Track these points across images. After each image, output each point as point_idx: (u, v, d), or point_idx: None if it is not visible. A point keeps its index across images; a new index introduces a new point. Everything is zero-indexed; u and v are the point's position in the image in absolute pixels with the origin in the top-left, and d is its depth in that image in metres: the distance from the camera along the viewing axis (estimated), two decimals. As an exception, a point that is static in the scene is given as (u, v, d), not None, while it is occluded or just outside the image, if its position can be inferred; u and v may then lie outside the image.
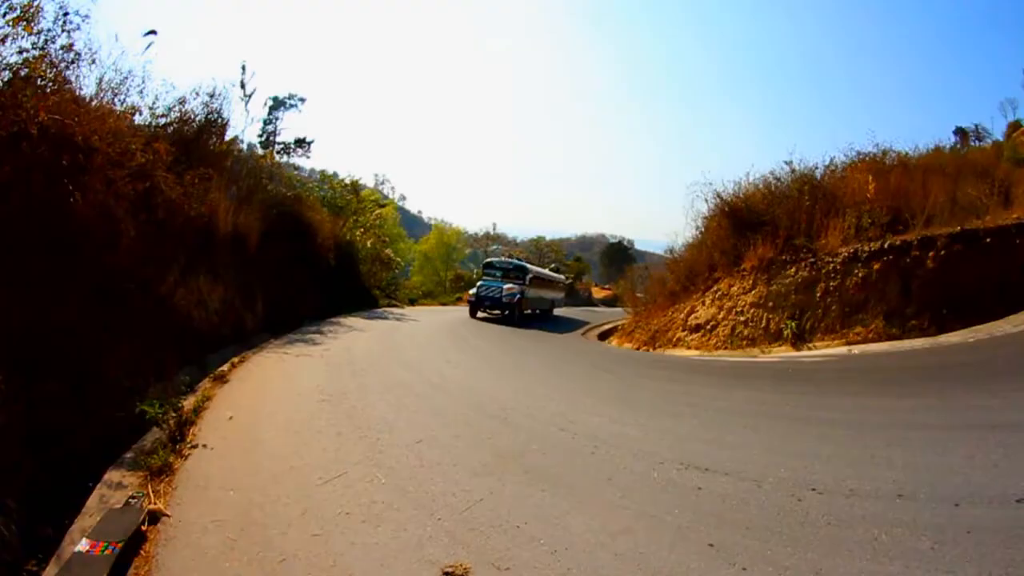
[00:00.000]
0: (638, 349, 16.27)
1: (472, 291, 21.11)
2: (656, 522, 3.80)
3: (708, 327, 14.84)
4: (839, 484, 4.42)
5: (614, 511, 3.97)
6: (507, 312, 20.15)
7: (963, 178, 15.82)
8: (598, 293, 58.79)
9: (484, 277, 21.89)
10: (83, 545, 3.46)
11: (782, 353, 12.58)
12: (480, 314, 20.45)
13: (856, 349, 11.88)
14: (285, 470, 4.70)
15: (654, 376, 9.93)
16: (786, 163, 15.96)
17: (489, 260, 25.00)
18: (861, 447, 5.37)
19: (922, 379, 8.82)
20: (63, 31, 7.64)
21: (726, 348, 13.95)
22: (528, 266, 24.01)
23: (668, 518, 3.86)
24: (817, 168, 15.82)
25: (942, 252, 12.48)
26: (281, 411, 6.50)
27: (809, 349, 12.56)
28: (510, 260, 24.73)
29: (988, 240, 12.72)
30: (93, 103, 8.14)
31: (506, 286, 20.13)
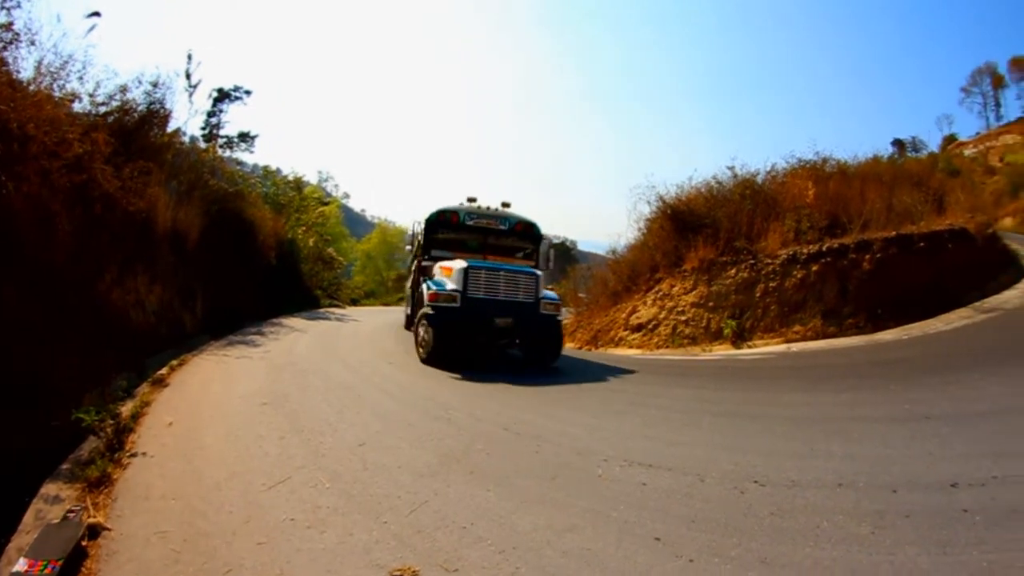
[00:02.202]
0: (580, 348, 16.30)
1: (427, 287, 10.48)
2: (602, 518, 3.81)
3: (650, 326, 15.03)
4: (781, 476, 4.59)
5: (560, 509, 3.97)
6: (527, 338, 10.59)
7: (899, 186, 16.69)
8: None
9: (438, 249, 11.88)
10: (21, 565, 3.22)
11: (723, 351, 12.90)
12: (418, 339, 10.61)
13: (795, 347, 12.33)
14: (228, 476, 4.52)
15: (598, 375, 9.97)
16: (728, 168, 16.56)
17: (448, 209, 12.18)
18: (801, 440, 5.59)
19: (859, 375, 9.23)
20: (2, 8, 7.33)
21: (668, 347, 14.18)
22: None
23: (613, 514, 3.87)
24: (759, 174, 16.51)
25: (878, 255, 13.16)
26: (222, 415, 6.29)
27: (749, 347, 12.93)
28: (503, 212, 12.40)
29: (922, 244, 13.56)
30: (30, 88, 7.72)
31: (520, 271, 10.57)
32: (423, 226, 12.29)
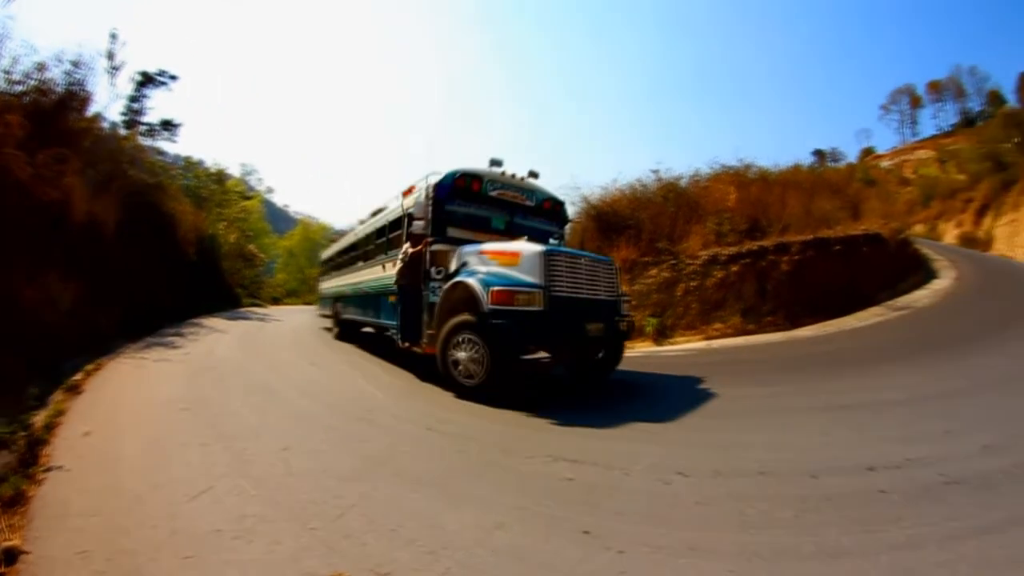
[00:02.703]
0: None
1: (480, 282, 7.12)
2: (529, 515, 3.81)
3: None
4: (704, 467, 4.73)
5: (487, 507, 3.94)
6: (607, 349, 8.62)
7: (818, 193, 17.63)
8: None
9: (457, 227, 8.83)
10: (-70, 599, 2.98)
11: (644, 348, 13.17)
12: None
13: (715, 343, 12.79)
14: (149, 488, 4.29)
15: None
16: (652, 171, 17.25)
17: (471, 172, 8.98)
18: (723, 432, 5.82)
19: (778, 368, 9.68)
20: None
21: None
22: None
23: (541, 510, 3.88)
24: (682, 177, 17.29)
25: (796, 257, 13.96)
26: (141, 424, 5.99)
27: (671, 344, 13.31)
28: (531, 184, 9.76)
29: (838, 247, 14.56)
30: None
31: (599, 260, 8.04)
32: (431, 194, 8.54)
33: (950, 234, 45.34)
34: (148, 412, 6.45)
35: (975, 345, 10.54)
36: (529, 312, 6.74)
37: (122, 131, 19.25)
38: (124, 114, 22.17)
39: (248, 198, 32.86)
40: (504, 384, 7.08)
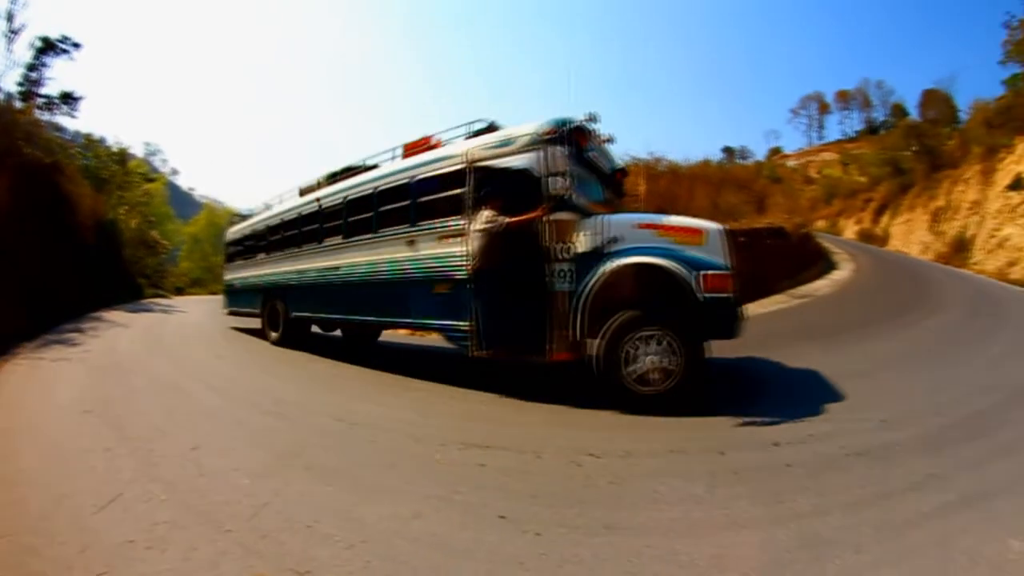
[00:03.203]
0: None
1: (678, 264, 5.68)
2: (445, 503, 3.81)
3: None
4: (615, 447, 4.86)
5: (402, 497, 3.91)
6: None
7: (726, 187, 18.26)
8: None
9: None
10: None
11: None
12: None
13: None
14: (54, 501, 3.99)
15: (426, 363, 9.95)
16: None
17: (581, 126, 6.60)
18: (630, 414, 5.94)
19: None
20: None
21: None
22: None
23: (456, 497, 3.89)
24: None
25: None
26: (41, 430, 5.65)
27: None
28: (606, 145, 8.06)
29: (743, 239, 15.10)
30: None
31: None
32: (541, 143, 6.36)
33: (850, 230, 48.71)
34: (47, 417, 6.08)
35: (872, 329, 11.25)
36: (730, 299, 5.77)
37: (17, 103, 17.90)
38: (20, 84, 20.33)
39: (151, 180, 31.00)
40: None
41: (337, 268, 9.55)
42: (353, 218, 9.33)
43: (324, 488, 4.12)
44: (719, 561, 3.18)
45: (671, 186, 17.03)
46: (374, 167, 9.43)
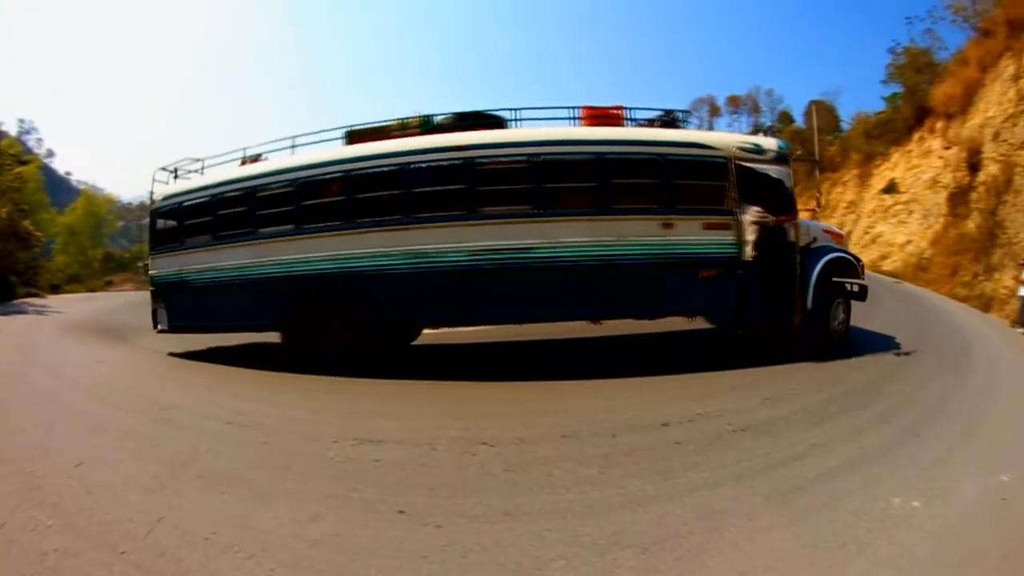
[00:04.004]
0: None
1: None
2: (343, 501, 3.78)
3: None
4: (508, 435, 5.00)
5: (299, 499, 3.84)
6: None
7: None
8: None
9: None
10: None
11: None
12: None
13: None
14: None
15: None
16: None
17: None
18: (520, 402, 6.20)
19: (570, 341, 10.05)
20: None
21: None
22: None
23: (354, 495, 3.86)
24: None
25: None
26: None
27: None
28: None
29: None
30: None
31: None
32: (785, 158, 8.22)
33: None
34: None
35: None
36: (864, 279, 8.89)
37: None
38: None
39: (24, 163, 27.25)
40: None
41: (527, 248, 7.68)
42: (554, 185, 7.76)
43: (219, 496, 3.97)
44: (619, 538, 3.29)
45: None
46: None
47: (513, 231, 7.68)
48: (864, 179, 33.08)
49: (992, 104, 19.00)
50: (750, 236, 7.61)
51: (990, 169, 17.82)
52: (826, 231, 8.88)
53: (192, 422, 5.83)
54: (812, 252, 8.22)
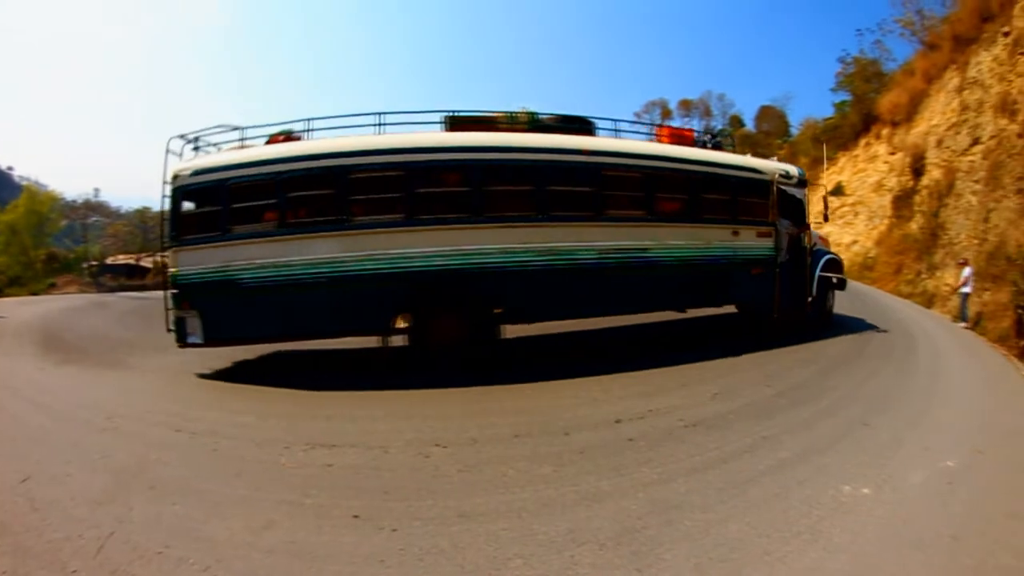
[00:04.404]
0: None
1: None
2: (296, 508, 3.71)
3: None
4: (461, 436, 5.01)
5: (253, 507, 3.75)
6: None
7: None
8: None
9: None
10: None
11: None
12: None
13: None
14: None
15: (262, 354, 9.48)
16: None
17: None
18: (476, 403, 6.16)
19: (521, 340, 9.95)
20: None
21: None
22: None
23: (307, 501, 3.80)
24: None
25: None
26: None
27: None
28: None
29: None
30: None
31: None
32: (803, 183, 11.29)
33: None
34: None
35: (706, 311, 11.93)
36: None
37: None
38: None
39: None
40: None
41: (644, 249, 8.72)
42: (662, 195, 9.11)
43: (170, 508, 3.84)
44: (575, 535, 3.34)
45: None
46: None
47: (632, 233, 8.64)
48: (812, 182, 34.60)
49: (936, 113, 20.08)
50: (783, 243, 10.12)
51: (933, 174, 18.83)
52: (820, 237, 11.50)
53: (139, 431, 5.59)
54: (814, 254, 10.76)
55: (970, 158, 16.21)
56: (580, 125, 9.08)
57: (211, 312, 7.61)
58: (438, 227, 7.70)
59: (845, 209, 28.00)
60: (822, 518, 3.73)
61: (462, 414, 5.68)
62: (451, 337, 7.79)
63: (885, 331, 10.99)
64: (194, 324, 7.62)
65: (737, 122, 73.04)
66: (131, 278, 39.48)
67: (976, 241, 14.38)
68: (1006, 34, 15.27)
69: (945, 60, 20.13)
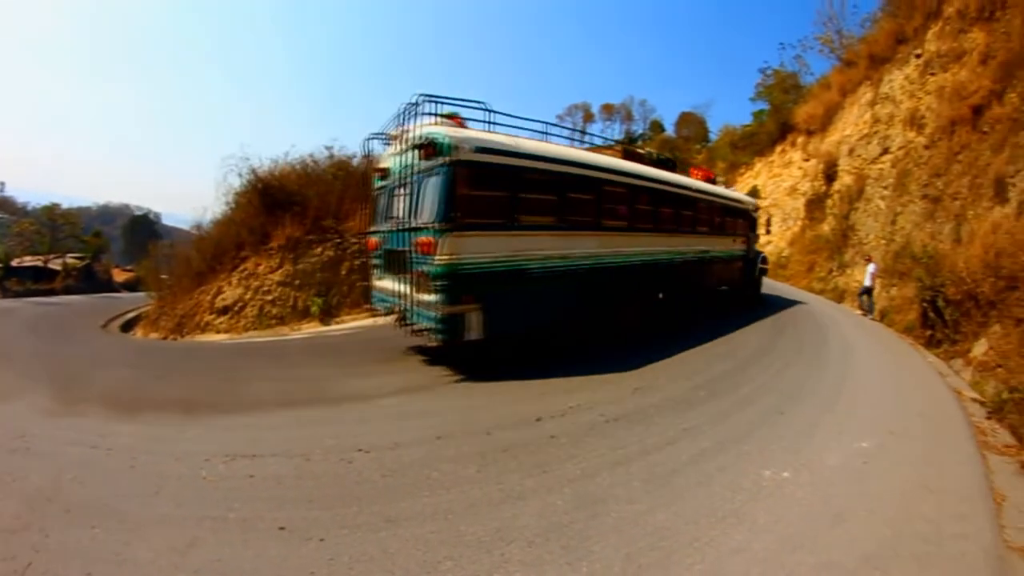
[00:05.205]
0: (165, 339, 14.81)
1: None
2: (220, 523, 3.57)
3: (236, 308, 14.55)
4: (383, 440, 4.95)
5: (175, 525, 3.58)
6: None
7: None
8: (120, 276, 51.19)
9: None
10: None
11: (312, 329, 13.27)
12: None
13: (381, 320, 13.09)
14: None
15: (182, 369, 9.18)
16: (327, 148, 16.89)
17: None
18: (395, 406, 6.09)
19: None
20: None
21: (256, 329, 13.91)
22: None
23: (231, 515, 3.66)
24: (355, 156, 16.87)
25: None
26: None
27: (337, 324, 13.51)
28: None
29: None
30: None
31: None
32: (757, 208, 19.27)
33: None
34: None
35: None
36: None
37: None
38: None
39: None
40: None
41: (708, 251, 13.42)
42: (714, 217, 13.96)
43: (89, 531, 3.58)
44: (504, 534, 3.41)
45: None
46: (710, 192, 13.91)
47: (705, 241, 13.10)
48: (728, 186, 36.46)
49: (849, 124, 21.65)
50: (748, 247, 15.87)
51: (845, 180, 20.36)
52: (755, 240, 16.96)
53: (52, 449, 5.11)
54: (755, 251, 16.68)
55: (880, 166, 17.75)
56: (670, 163, 13.35)
57: (495, 305, 7.28)
58: (639, 234, 10.17)
59: (760, 211, 29.27)
60: (745, 502, 3.94)
61: (382, 417, 5.63)
62: (634, 317, 10.09)
63: (803, 324, 12.09)
64: (474, 319, 7.13)
65: (658, 127, 75.32)
66: (38, 282, 37.84)
67: (884, 242, 15.81)
68: (918, 56, 16.84)
69: (860, 76, 21.69)
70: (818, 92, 27.10)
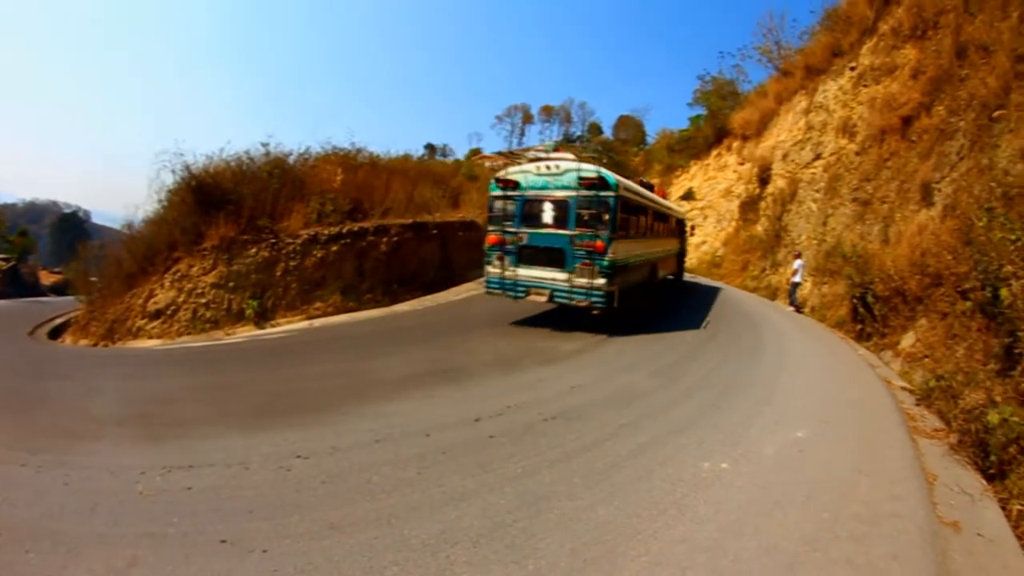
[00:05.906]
0: (96, 345, 14.18)
1: None
2: (160, 539, 3.44)
3: (169, 312, 13.94)
4: (321, 445, 4.90)
5: (112, 544, 3.42)
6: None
7: (423, 181, 19.54)
8: (48, 278, 49.30)
9: None
10: None
11: (246, 333, 13.03)
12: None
13: (317, 322, 13.26)
14: None
15: (112, 375, 8.85)
16: (263, 144, 16.35)
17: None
18: (330, 408, 5.99)
19: (382, 341, 10.36)
20: None
21: (190, 333, 13.49)
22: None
23: (170, 530, 3.53)
24: (292, 154, 16.86)
25: (395, 238, 15.65)
26: None
27: (273, 326, 13.34)
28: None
29: (435, 231, 17.14)
30: None
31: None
32: (685, 220, 23.53)
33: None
34: None
35: (554, 311, 12.46)
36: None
37: None
38: None
39: None
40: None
41: (670, 250, 17.66)
42: (665, 224, 16.51)
43: (23, 556, 3.35)
44: (448, 535, 3.45)
45: (369, 178, 17.15)
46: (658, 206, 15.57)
47: (664, 242, 16.17)
48: (664, 187, 37.62)
49: (784, 131, 22.85)
50: (681, 243, 19.77)
51: (778, 183, 21.50)
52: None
53: None
54: (683, 248, 20.93)
55: (812, 170, 18.90)
56: (650, 186, 16.15)
57: (623, 285, 10.77)
58: (650, 238, 13.91)
59: (695, 212, 30.41)
60: (686, 494, 4.10)
61: (318, 421, 5.52)
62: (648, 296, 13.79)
63: (737, 320, 12.86)
64: (616, 294, 10.39)
65: (596, 129, 76.68)
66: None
67: (815, 242, 16.73)
68: (852, 68, 18.08)
69: (796, 85, 22.99)
70: (755, 99, 28.28)
